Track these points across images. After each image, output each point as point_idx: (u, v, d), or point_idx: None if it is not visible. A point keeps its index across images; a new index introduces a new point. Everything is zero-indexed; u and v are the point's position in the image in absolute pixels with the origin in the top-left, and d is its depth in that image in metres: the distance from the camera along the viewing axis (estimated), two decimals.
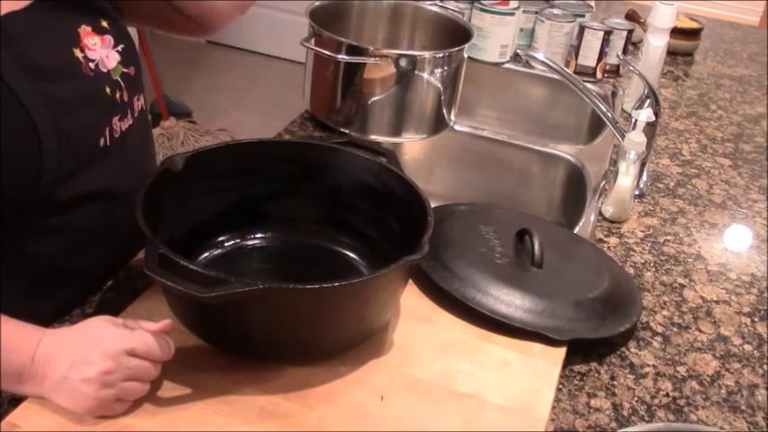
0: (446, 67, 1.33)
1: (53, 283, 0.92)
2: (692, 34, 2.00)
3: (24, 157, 0.81)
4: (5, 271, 0.87)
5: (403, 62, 1.28)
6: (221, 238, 1.00)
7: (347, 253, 1.02)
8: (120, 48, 0.92)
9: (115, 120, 0.91)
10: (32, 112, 0.80)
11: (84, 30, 0.88)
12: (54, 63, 0.84)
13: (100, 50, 0.89)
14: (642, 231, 1.23)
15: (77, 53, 0.87)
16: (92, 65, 0.88)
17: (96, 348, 0.74)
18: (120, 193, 0.92)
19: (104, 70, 0.89)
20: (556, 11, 1.70)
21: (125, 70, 0.92)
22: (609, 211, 1.25)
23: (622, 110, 1.62)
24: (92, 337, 0.76)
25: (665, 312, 1.05)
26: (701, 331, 1.03)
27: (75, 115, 0.85)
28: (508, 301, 0.95)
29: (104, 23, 0.91)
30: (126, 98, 0.92)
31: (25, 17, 0.83)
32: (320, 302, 0.80)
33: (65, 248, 0.90)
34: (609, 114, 1.30)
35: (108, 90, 0.89)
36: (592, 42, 1.67)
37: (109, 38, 0.91)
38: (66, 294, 0.92)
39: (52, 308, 0.90)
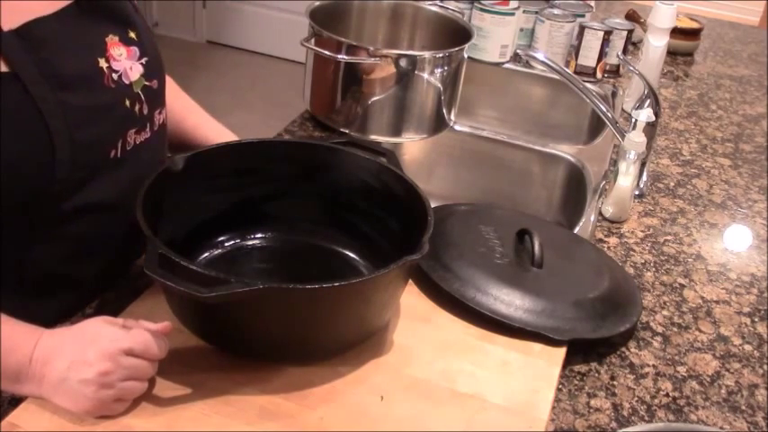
0: (446, 67, 1.33)
1: (52, 290, 0.91)
2: (692, 34, 2.00)
3: (37, 166, 0.80)
4: (5, 276, 0.87)
5: (403, 62, 1.28)
6: (221, 238, 1.00)
7: (347, 253, 1.02)
8: (144, 60, 0.90)
9: (131, 132, 0.89)
10: (50, 120, 0.79)
11: (112, 39, 0.87)
12: (77, 72, 0.82)
13: (125, 62, 0.88)
14: (642, 231, 1.23)
15: (102, 63, 0.85)
16: (115, 76, 0.86)
17: (94, 349, 0.74)
18: (124, 205, 0.90)
19: (126, 82, 0.88)
20: (556, 11, 1.70)
21: (147, 83, 0.91)
22: (609, 211, 1.25)
23: (622, 110, 1.61)
24: (89, 337, 0.76)
25: (665, 312, 1.05)
26: (700, 331, 1.03)
27: (91, 127, 0.83)
28: (508, 301, 0.95)
29: (132, 34, 0.90)
30: (146, 111, 0.91)
31: (54, 23, 0.81)
32: (320, 302, 0.80)
33: (65, 256, 0.89)
34: (609, 114, 1.30)
35: (128, 103, 0.88)
36: (592, 42, 1.67)
37: (135, 49, 0.90)
38: (64, 302, 0.91)
39: (51, 314, 0.89)
